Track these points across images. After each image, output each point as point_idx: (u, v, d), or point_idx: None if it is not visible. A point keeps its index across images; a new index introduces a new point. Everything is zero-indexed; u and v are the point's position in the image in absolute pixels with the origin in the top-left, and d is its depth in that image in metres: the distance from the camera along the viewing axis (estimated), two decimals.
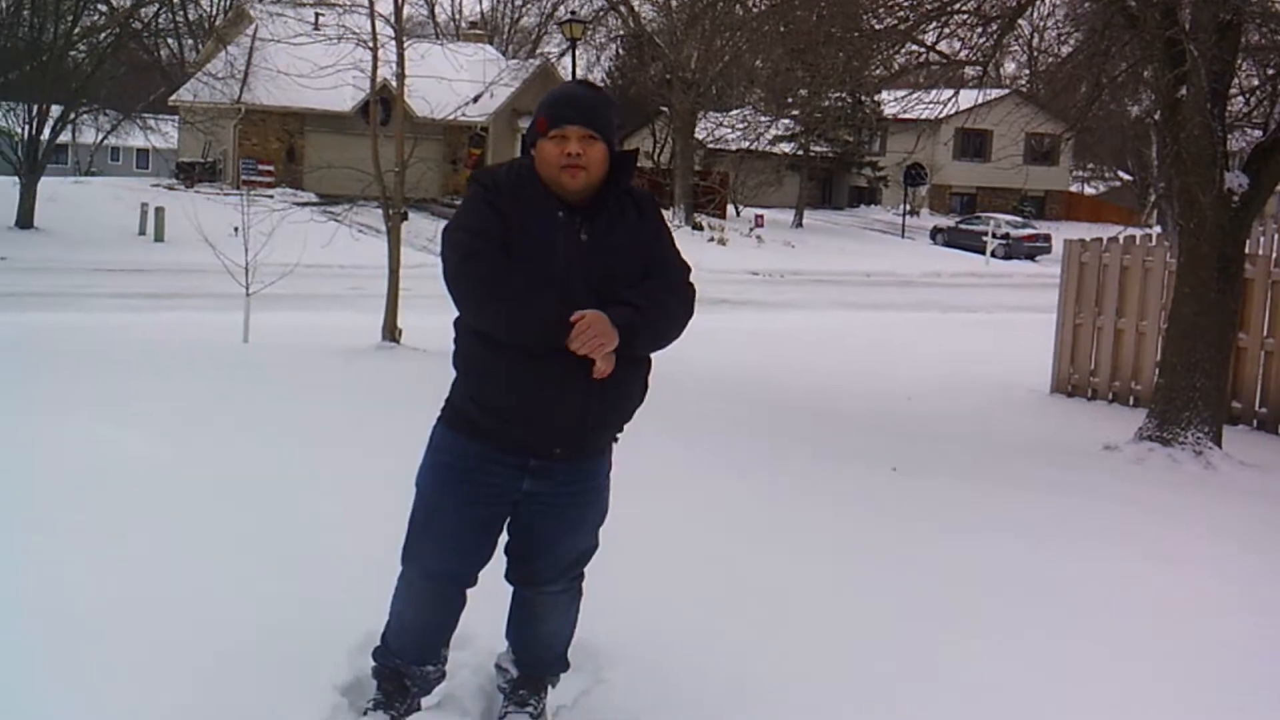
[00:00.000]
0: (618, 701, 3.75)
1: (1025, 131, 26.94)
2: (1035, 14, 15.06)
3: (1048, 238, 40.80)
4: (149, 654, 3.77)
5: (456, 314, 3.38)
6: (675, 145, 42.11)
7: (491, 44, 51.87)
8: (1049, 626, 4.80)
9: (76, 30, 30.29)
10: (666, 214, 39.58)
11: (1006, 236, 40.88)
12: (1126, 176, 48.87)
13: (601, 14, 41.84)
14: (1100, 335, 12.16)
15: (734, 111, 43.78)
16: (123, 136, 39.35)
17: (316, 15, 17.63)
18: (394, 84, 13.65)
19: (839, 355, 14.63)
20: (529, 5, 57.27)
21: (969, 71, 12.36)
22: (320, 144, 38.01)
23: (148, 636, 3.90)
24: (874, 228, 47.03)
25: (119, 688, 3.52)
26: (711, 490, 6.48)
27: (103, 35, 30.87)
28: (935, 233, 44.23)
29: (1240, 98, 10.36)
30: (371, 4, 13.18)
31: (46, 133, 29.80)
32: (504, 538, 3.51)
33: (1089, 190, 57.92)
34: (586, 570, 3.62)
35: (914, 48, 11.37)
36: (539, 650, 3.66)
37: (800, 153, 45.36)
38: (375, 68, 13.45)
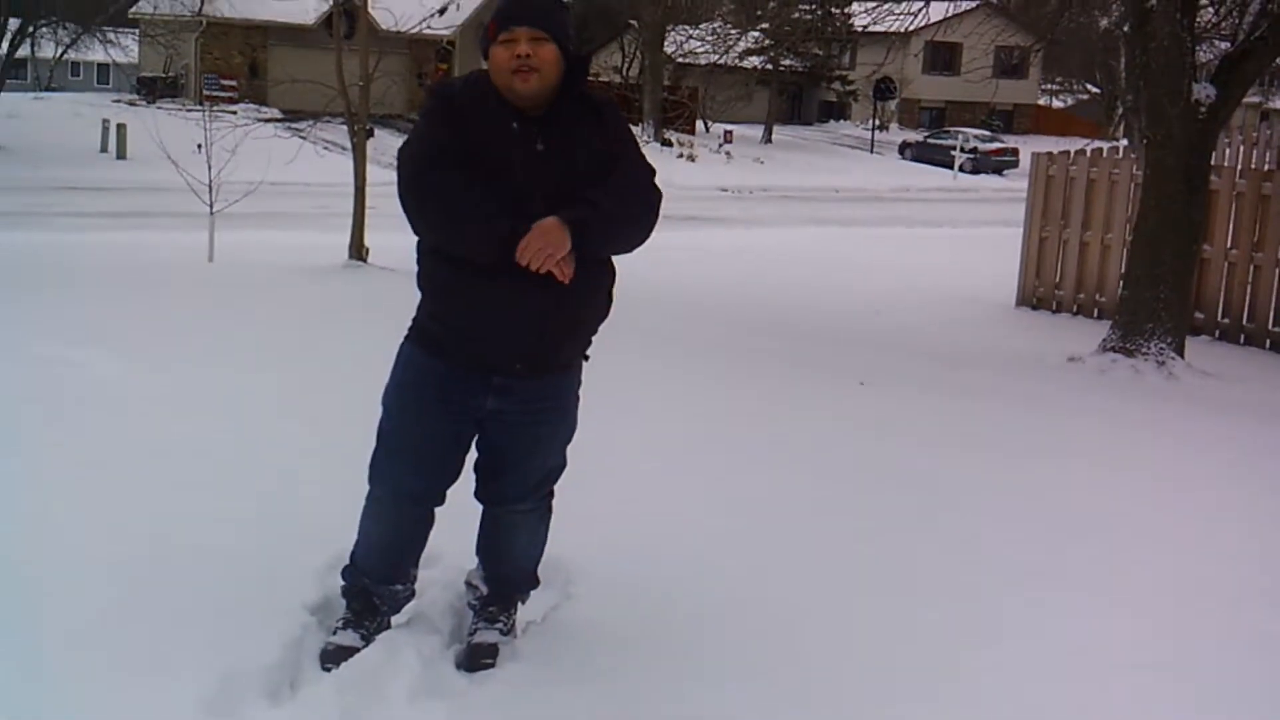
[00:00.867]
0: (587, 617, 3.78)
1: (995, 44, 26.79)
2: None
3: (1015, 152, 40.81)
4: (114, 578, 3.77)
5: None
6: (644, 60, 41.72)
7: None
8: (1013, 533, 4.87)
9: None
10: (635, 129, 39.38)
11: (974, 151, 40.87)
12: (1094, 90, 48.81)
13: None
14: (1066, 248, 12.21)
15: (703, 25, 43.38)
16: (82, 51, 38.70)
17: None
18: None
19: (808, 271, 14.66)
20: None
21: None
22: (284, 58, 37.44)
23: (113, 560, 3.90)
24: (843, 143, 46.89)
25: (85, 614, 3.52)
26: (681, 406, 6.51)
27: None
28: (904, 147, 44.16)
29: (1209, 8, 10.34)
30: None
31: (4, 47, 29.23)
32: (473, 456, 3.51)
33: (1057, 104, 57.85)
34: (556, 487, 3.64)
35: None
36: (509, 568, 3.67)
37: (770, 67, 45.01)
38: None
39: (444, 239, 3.24)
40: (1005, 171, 40.00)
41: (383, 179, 17.03)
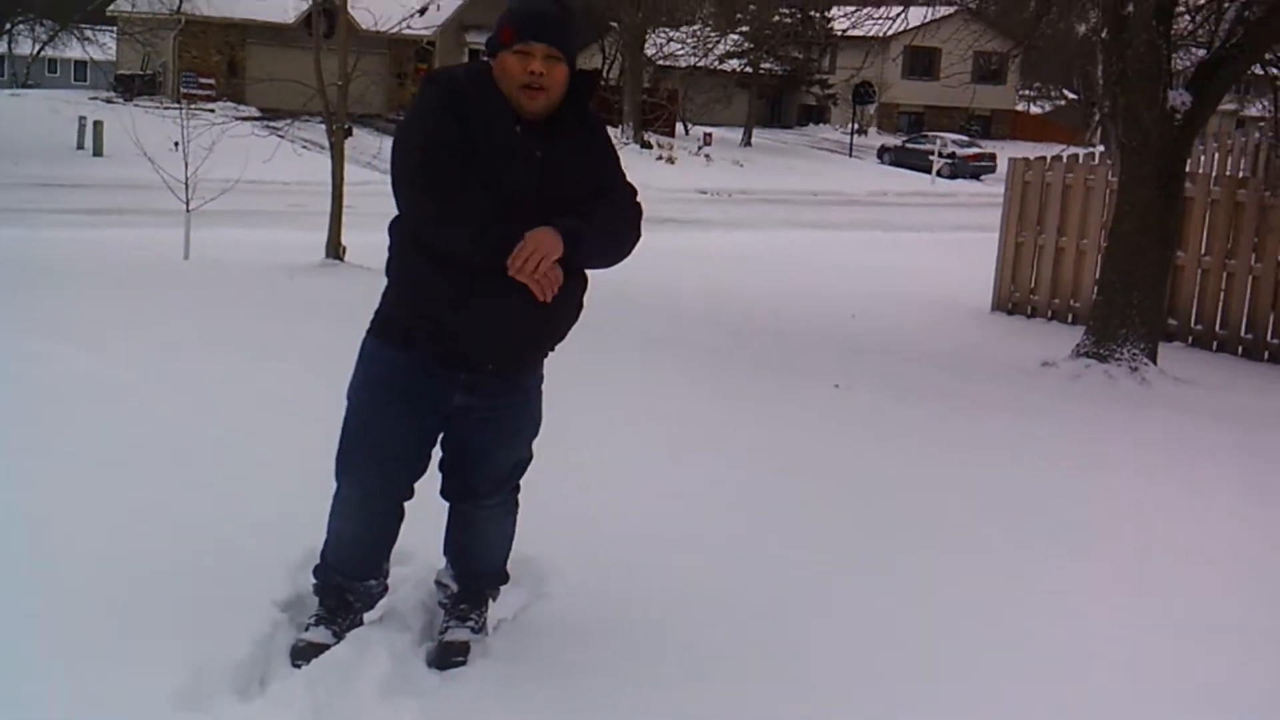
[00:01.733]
0: (558, 615, 3.78)
1: (973, 49, 26.92)
2: None
3: (993, 157, 41.00)
4: (84, 571, 3.75)
5: (393, 218, 3.31)
6: (624, 61, 41.72)
7: None
8: (992, 531, 4.92)
9: None
10: (614, 131, 39.04)
11: (953, 156, 41.03)
12: (1072, 95, 48.98)
13: None
14: (1041, 254, 12.29)
15: (683, 27, 43.43)
16: (60, 48, 38.53)
17: None
18: None
19: (785, 274, 14.71)
20: None
21: None
22: (262, 57, 37.33)
23: (85, 555, 3.89)
24: (822, 146, 47.00)
25: (54, 606, 3.51)
26: (655, 408, 6.52)
27: None
28: (882, 152, 44.29)
29: (1185, 16, 10.41)
30: None
31: None
32: (438, 453, 3.50)
33: (1035, 109, 58.06)
34: (525, 483, 3.64)
35: None
36: (478, 564, 3.67)
37: (749, 70, 45.10)
38: None
39: (437, 236, 3.20)
40: (983, 176, 40.17)
41: (361, 178, 17.06)
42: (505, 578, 3.75)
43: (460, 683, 3.37)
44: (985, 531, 4.96)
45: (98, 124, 28.85)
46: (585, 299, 3.41)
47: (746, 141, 43.42)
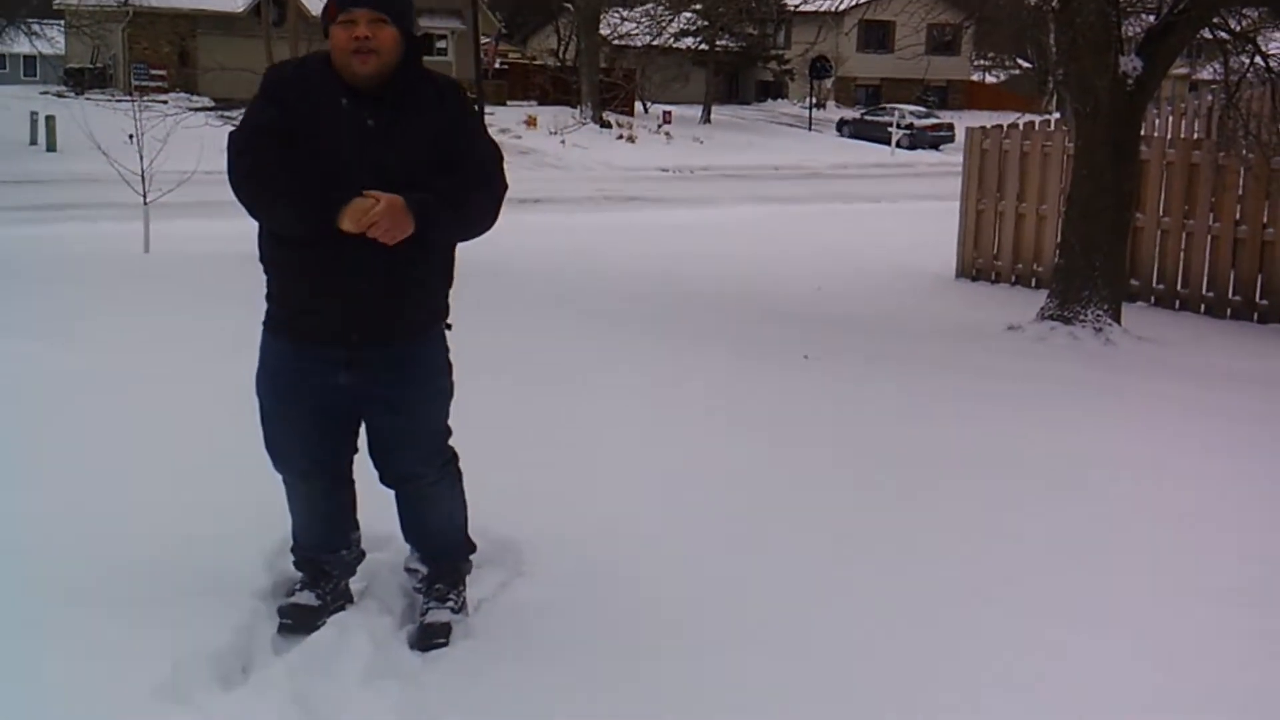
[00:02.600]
0: (539, 595, 3.78)
1: (926, 22, 26.98)
2: None
3: (951, 127, 41.16)
4: (65, 564, 3.74)
5: None
6: (579, 43, 41.59)
7: None
8: (972, 494, 4.96)
9: None
10: (573, 112, 38.82)
11: (911, 127, 41.13)
12: (1026, 64, 49.28)
13: None
14: (1002, 220, 12.36)
15: (637, 7, 43.29)
16: (7, 43, 37.90)
17: None
18: None
19: (750, 248, 14.72)
20: None
21: None
22: (213, 46, 36.94)
23: (64, 546, 3.87)
24: (781, 121, 47.00)
25: (35, 599, 3.50)
26: (627, 386, 6.53)
27: None
28: (841, 125, 44.35)
29: None
30: None
31: None
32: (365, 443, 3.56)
33: (990, 79, 58.32)
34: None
35: None
36: (438, 541, 3.70)
37: (705, 48, 45.01)
38: None
39: (265, 216, 3.30)
40: (941, 146, 40.31)
41: None
42: (472, 546, 3.77)
43: (442, 664, 3.37)
44: (971, 492, 4.99)
45: (50, 119, 28.48)
46: (458, 271, 3.47)
47: (706, 118, 43.36)
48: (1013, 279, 12.29)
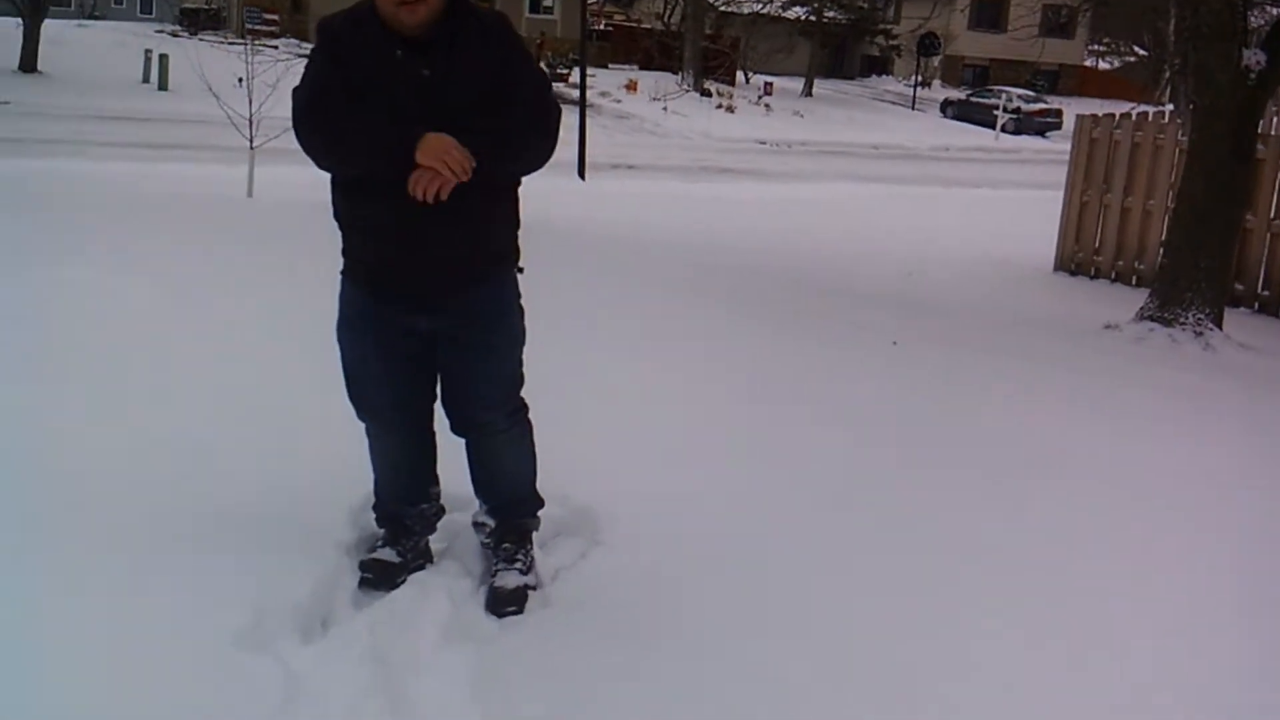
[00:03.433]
0: (617, 564, 3.78)
1: (1042, 2, 26.43)
2: None
3: (1059, 113, 40.33)
4: (152, 501, 3.82)
5: None
6: (686, 7, 41.35)
7: None
8: (1046, 491, 4.86)
9: None
10: (674, 78, 38.67)
11: (1018, 111, 40.39)
12: (1142, 52, 48.08)
13: None
14: (1107, 213, 12.11)
15: None
16: None
17: None
18: None
19: (842, 227, 14.60)
20: None
21: None
22: None
23: (150, 483, 3.96)
24: (884, 99, 46.47)
25: (120, 544, 3.56)
26: (710, 355, 6.51)
27: None
28: (946, 105, 43.72)
29: None
30: None
31: None
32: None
33: (1103, 65, 57.07)
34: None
35: None
36: (506, 493, 3.72)
37: (813, 19, 44.58)
38: None
39: (337, 162, 3.32)
40: (1048, 133, 39.55)
41: None
42: (540, 501, 3.78)
43: (519, 631, 3.39)
44: (1036, 492, 4.91)
45: (163, 58, 29.00)
46: (523, 215, 3.49)
47: (808, 92, 42.98)
48: (1112, 275, 12.05)
